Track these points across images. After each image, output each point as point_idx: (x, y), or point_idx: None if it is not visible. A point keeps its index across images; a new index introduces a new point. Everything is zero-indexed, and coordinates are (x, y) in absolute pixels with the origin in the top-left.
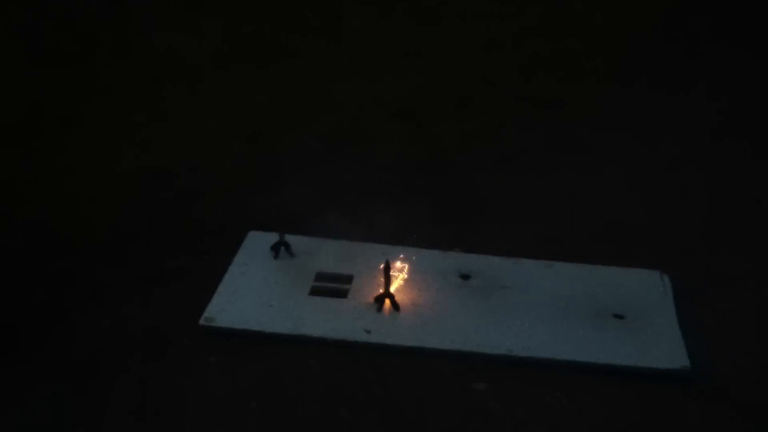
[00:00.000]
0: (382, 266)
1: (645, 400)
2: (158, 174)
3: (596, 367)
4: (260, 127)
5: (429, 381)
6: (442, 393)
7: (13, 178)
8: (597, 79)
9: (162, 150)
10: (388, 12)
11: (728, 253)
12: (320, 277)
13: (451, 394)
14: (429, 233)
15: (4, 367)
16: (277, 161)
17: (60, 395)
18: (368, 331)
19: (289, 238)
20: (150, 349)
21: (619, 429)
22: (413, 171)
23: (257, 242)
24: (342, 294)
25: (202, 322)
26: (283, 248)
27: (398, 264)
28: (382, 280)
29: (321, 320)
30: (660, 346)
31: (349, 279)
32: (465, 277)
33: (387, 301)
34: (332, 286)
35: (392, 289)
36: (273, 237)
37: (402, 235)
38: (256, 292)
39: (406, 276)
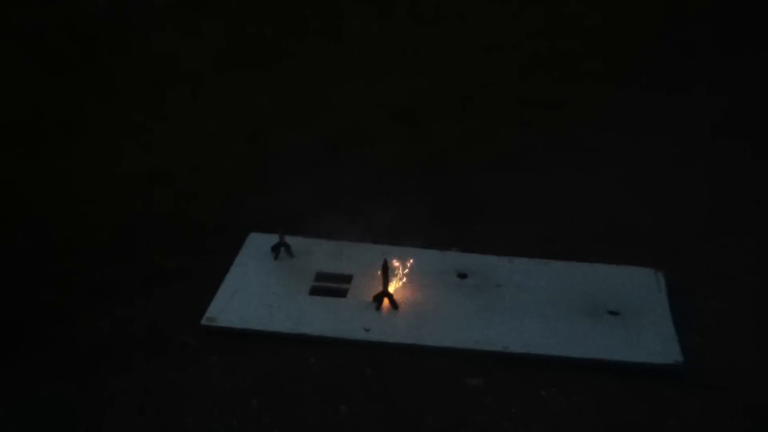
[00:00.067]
0: (381, 268)
1: (640, 395)
2: (159, 175)
3: (591, 363)
4: (260, 128)
5: (427, 378)
6: (439, 389)
7: (14, 179)
8: (597, 79)
9: (162, 151)
10: (388, 12)
11: (726, 252)
12: (320, 277)
13: (448, 390)
14: (428, 233)
15: (5, 367)
16: (277, 162)
17: (61, 395)
18: (367, 330)
19: (289, 239)
20: (151, 348)
21: (614, 423)
22: (412, 171)
23: (258, 243)
24: (341, 293)
25: (204, 322)
26: (283, 249)
27: (396, 263)
28: (381, 279)
29: (321, 319)
30: (654, 341)
31: (348, 279)
32: (462, 276)
33: (386, 300)
34: (332, 285)
35: (390, 288)
36: (273, 238)
37: (401, 235)
38: (256, 292)
39: (404, 279)
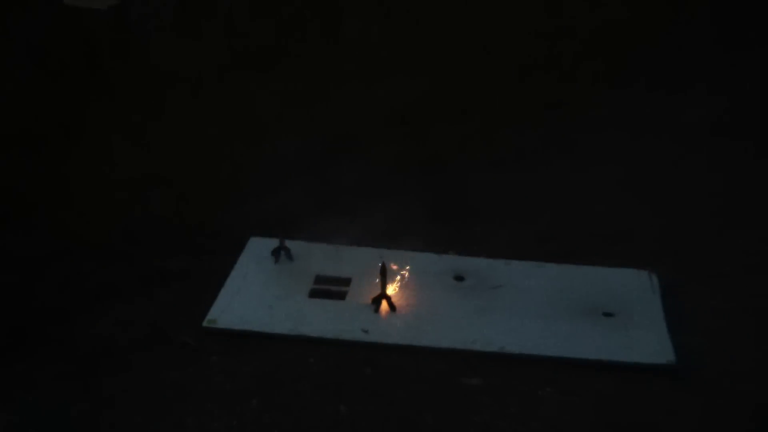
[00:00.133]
0: (379, 271)
1: (638, 395)
2: (158, 177)
3: (586, 363)
4: (260, 129)
5: (425, 378)
6: (438, 389)
7: (14, 181)
8: (596, 79)
9: (162, 152)
10: (388, 12)
11: (726, 252)
12: (319, 279)
13: (446, 390)
14: (427, 234)
15: (6, 367)
16: (276, 164)
17: (61, 395)
18: (366, 331)
19: (289, 243)
20: (151, 349)
21: (610, 422)
22: (411, 173)
23: (258, 247)
24: (340, 296)
25: (205, 324)
26: (283, 253)
27: (394, 266)
28: (379, 281)
29: (320, 321)
30: (647, 342)
31: (347, 281)
32: (459, 278)
33: (384, 302)
34: (331, 288)
35: (389, 290)
36: (273, 242)
37: (400, 236)
38: (257, 294)
39: (402, 281)
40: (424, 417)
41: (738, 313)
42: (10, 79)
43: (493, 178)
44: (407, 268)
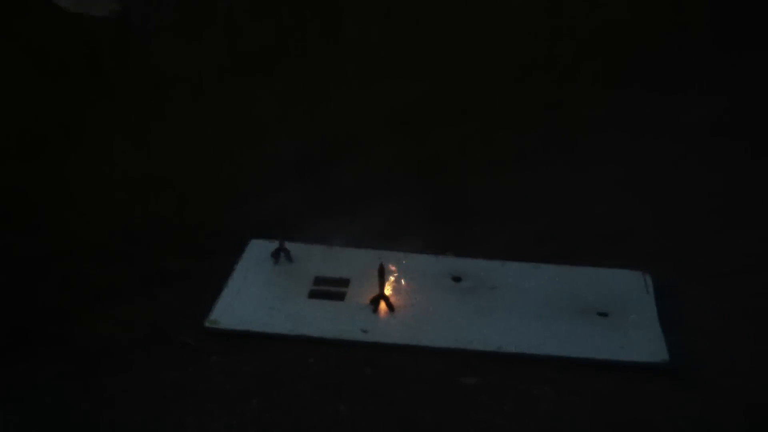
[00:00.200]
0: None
1: (636, 394)
2: (159, 177)
3: (581, 362)
4: (260, 130)
5: (423, 377)
6: (436, 388)
7: (14, 181)
8: (596, 79)
9: (163, 153)
10: (389, 12)
11: (726, 252)
12: (319, 281)
13: (444, 389)
14: (427, 234)
15: (6, 367)
16: (276, 165)
17: (61, 395)
18: (365, 331)
19: (289, 245)
20: (151, 349)
21: (608, 421)
22: (411, 173)
23: (258, 250)
24: (339, 297)
25: (206, 324)
26: (282, 254)
27: (392, 267)
28: (378, 282)
29: (320, 321)
30: (641, 341)
31: (346, 282)
32: (457, 279)
33: (382, 303)
34: (330, 289)
35: (387, 291)
36: (273, 245)
37: (399, 237)
38: (257, 296)
39: (401, 282)
40: (423, 415)
41: (737, 313)
42: (10, 80)
43: (493, 179)
44: (403, 266)
